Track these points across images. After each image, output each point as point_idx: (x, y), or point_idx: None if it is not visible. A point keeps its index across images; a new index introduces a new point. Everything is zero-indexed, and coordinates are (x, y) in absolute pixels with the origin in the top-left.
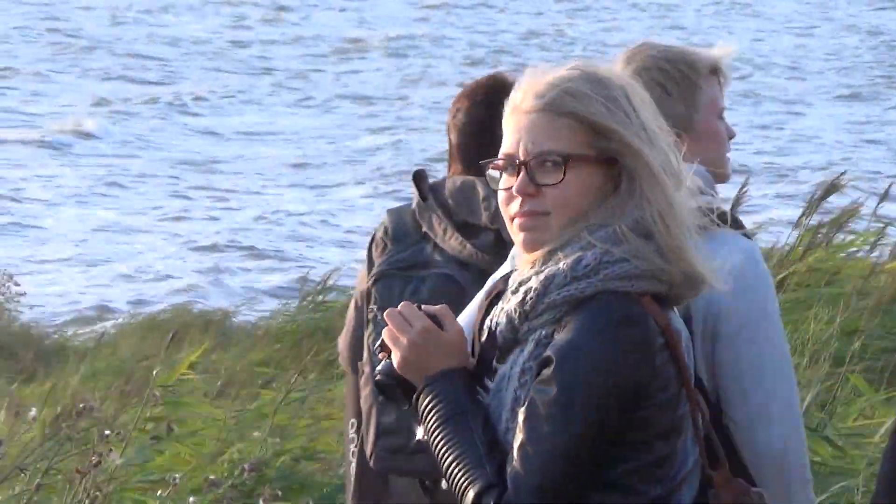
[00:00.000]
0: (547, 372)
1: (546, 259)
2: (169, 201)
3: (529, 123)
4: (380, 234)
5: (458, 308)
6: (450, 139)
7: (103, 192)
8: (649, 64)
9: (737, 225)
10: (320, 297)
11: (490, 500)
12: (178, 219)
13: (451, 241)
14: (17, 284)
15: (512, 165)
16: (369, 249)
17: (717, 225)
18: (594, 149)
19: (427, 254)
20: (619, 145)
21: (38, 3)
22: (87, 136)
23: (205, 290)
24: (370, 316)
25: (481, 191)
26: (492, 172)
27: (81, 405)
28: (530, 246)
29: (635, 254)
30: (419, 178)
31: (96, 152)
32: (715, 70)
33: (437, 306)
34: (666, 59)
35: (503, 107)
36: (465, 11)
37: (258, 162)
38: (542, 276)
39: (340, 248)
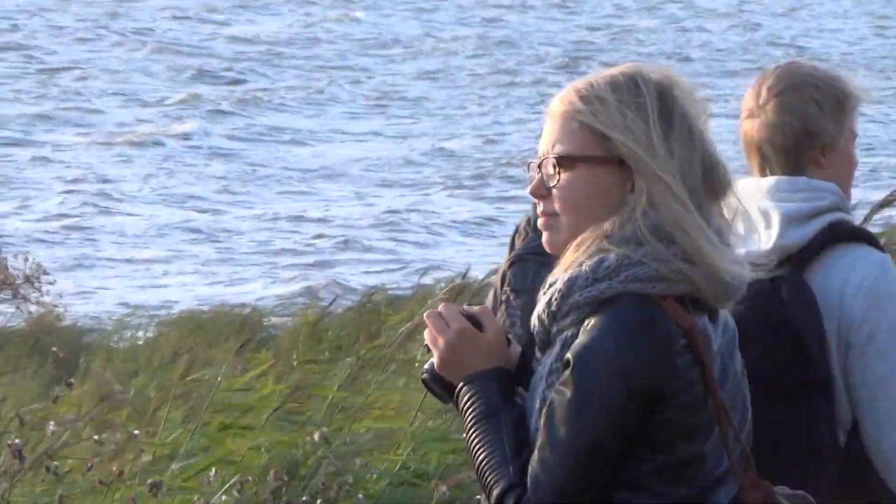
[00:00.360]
0: (566, 374)
1: (571, 260)
2: (252, 201)
3: (550, 128)
4: (523, 225)
5: None
6: None
7: (186, 192)
8: (808, 80)
9: (869, 238)
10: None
11: (510, 500)
12: (261, 219)
13: None
14: (46, 273)
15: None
16: (512, 238)
17: (850, 240)
18: (604, 151)
19: None
20: (625, 151)
21: (104, 2)
22: (176, 136)
23: (291, 292)
24: (503, 297)
25: None
26: (532, 174)
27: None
28: (548, 246)
29: (654, 256)
30: None
31: (180, 153)
32: (859, 101)
33: (479, 307)
34: (823, 80)
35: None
36: (538, 12)
37: (338, 161)
38: (565, 278)
39: (422, 248)
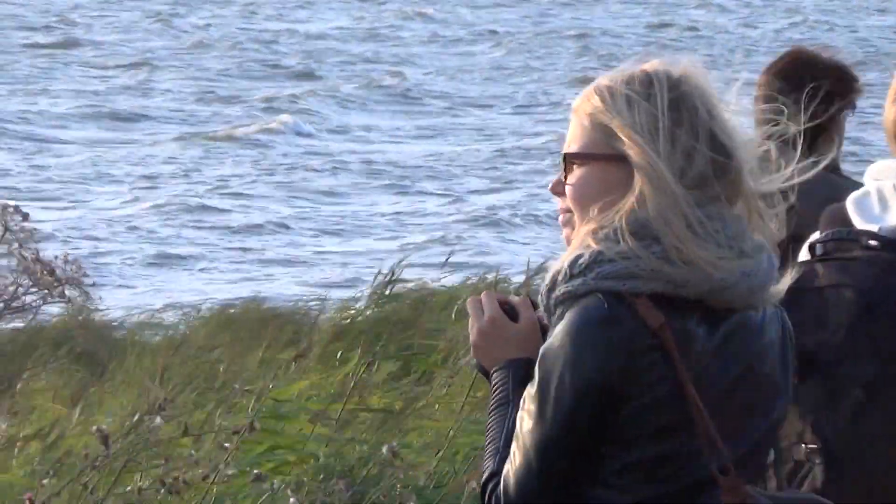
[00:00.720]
0: (535, 368)
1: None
2: (332, 198)
3: (570, 125)
4: None
5: None
6: None
7: (266, 190)
8: None
9: None
10: (387, 290)
11: (487, 489)
12: (347, 216)
13: None
14: (86, 275)
15: None
16: None
17: None
18: (611, 148)
19: None
20: (627, 146)
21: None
22: (255, 133)
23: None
24: None
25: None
26: None
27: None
28: (567, 242)
29: (627, 254)
30: None
31: (269, 151)
32: None
33: (518, 297)
34: None
35: (795, 79)
36: (601, 5)
37: (414, 157)
38: (551, 272)
39: (497, 241)
